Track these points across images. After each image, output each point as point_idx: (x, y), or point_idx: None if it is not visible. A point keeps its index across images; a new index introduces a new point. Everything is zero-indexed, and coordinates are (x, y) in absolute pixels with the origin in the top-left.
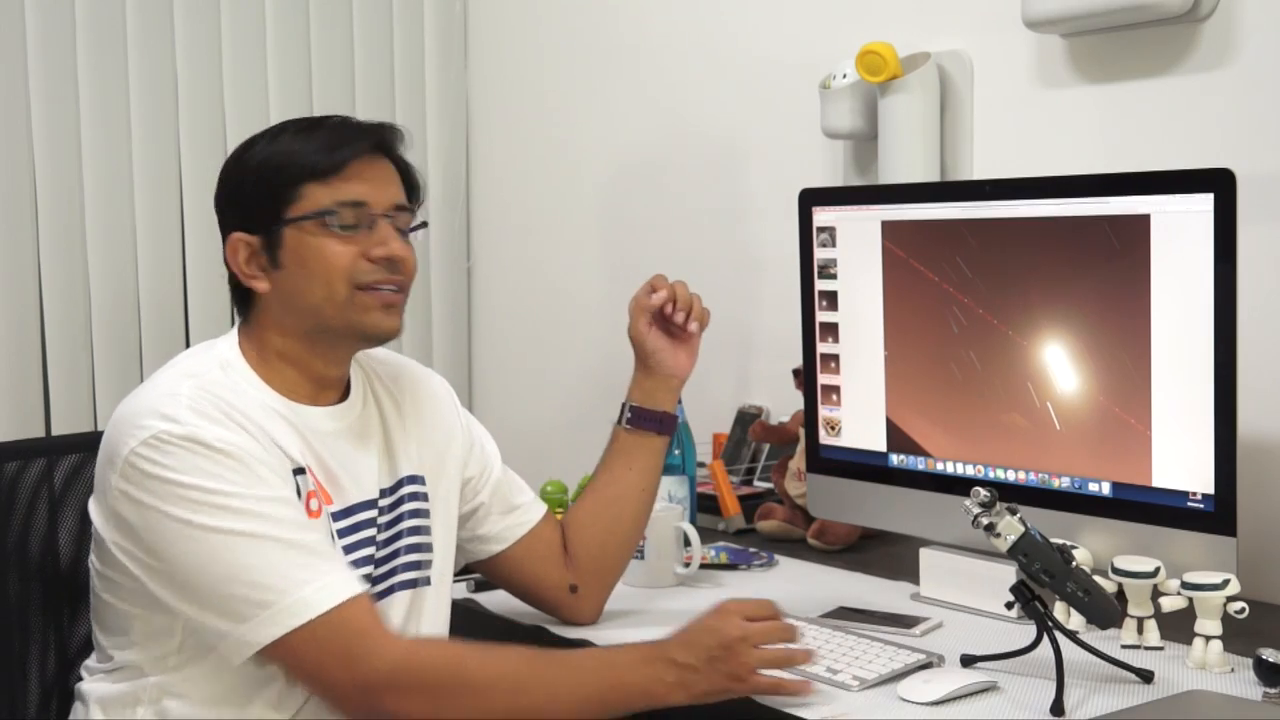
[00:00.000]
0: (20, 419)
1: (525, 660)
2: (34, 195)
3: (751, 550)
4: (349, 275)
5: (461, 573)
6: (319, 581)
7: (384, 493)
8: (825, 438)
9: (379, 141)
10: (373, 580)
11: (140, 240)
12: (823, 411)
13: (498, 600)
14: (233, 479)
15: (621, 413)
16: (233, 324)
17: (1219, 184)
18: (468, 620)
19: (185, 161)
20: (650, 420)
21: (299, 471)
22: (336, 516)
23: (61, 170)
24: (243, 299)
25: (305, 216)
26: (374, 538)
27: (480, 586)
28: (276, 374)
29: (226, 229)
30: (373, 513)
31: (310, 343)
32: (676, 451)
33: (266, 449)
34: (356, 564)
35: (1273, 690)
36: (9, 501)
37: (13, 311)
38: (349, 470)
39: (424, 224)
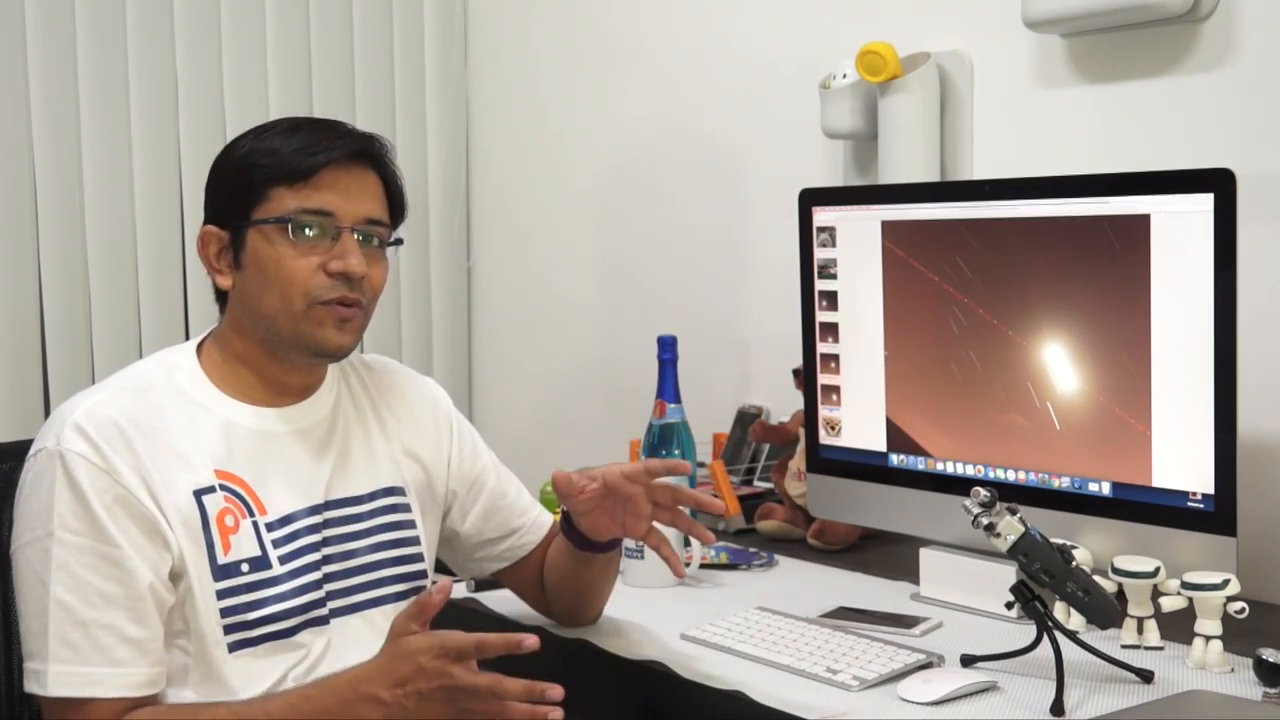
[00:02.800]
0: (20, 419)
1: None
2: (34, 195)
3: (751, 550)
4: (306, 289)
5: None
6: (68, 668)
7: (346, 502)
8: (825, 438)
9: (357, 151)
10: (329, 594)
11: (140, 240)
12: (823, 411)
13: (498, 600)
14: (69, 521)
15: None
16: None
17: (1219, 184)
18: (468, 620)
19: (185, 161)
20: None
21: (206, 491)
22: (271, 526)
23: (61, 170)
24: (218, 294)
25: (267, 220)
26: (318, 544)
27: (480, 586)
28: (231, 375)
29: (204, 220)
30: (316, 519)
31: (266, 348)
32: (677, 451)
33: (151, 479)
34: (301, 571)
35: (1273, 690)
36: (4, 501)
37: (13, 311)
38: (289, 476)
39: (399, 241)
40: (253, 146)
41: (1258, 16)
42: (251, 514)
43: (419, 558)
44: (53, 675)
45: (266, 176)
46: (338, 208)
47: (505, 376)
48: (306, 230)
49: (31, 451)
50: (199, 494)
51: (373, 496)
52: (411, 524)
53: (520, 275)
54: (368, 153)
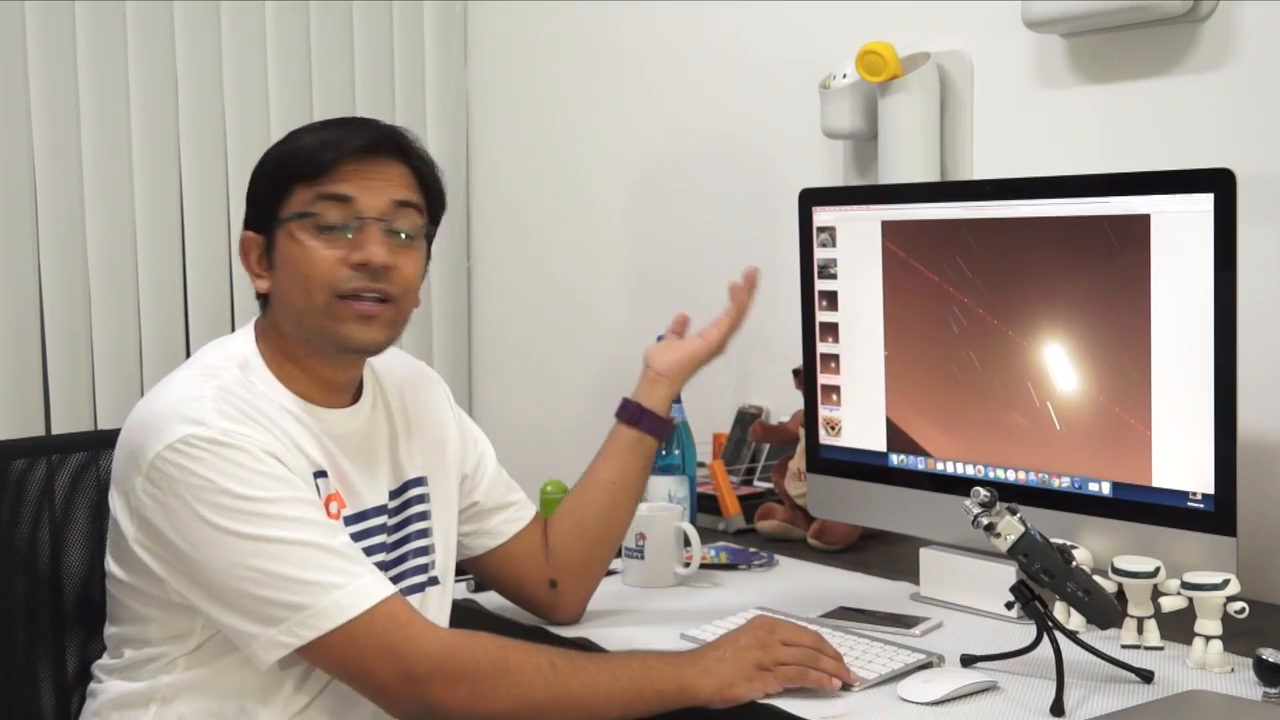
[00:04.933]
0: (20, 419)
1: (563, 654)
2: (34, 195)
3: (751, 550)
4: (328, 282)
5: (459, 572)
6: (351, 585)
7: (391, 495)
8: (825, 438)
9: (375, 142)
10: None
11: (140, 240)
12: (823, 411)
13: (498, 600)
14: (261, 482)
15: None
16: (233, 325)
17: (1219, 184)
18: (468, 620)
19: (185, 161)
20: (627, 411)
21: (320, 474)
22: (349, 521)
23: (61, 170)
24: (261, 296)
25: (290, 216)
26: (384, 542)
27: (480, 586)
28: (291, 374)
29: (243, 227)
30: (383, 518)
31: (307, 347)
32: (677, 451)
33: (289, 450)
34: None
35: (1273, 690)
36: (16, 499)
37: (13, 311)
38: (362, 474)
39: (432, 229)
40: (280, 149)
41: (1258, 16)
42: (339, 507)
43: (432, 548)
44: (344, 596)
45: (289, 175)
46: (358, 195)
47: (505, 376)
48: (329, 223)
49: (161, 448)
50: (316, 475)
51: (404, 489)
52: (429, 514)
53: (520, 275)
54: (390, 142)
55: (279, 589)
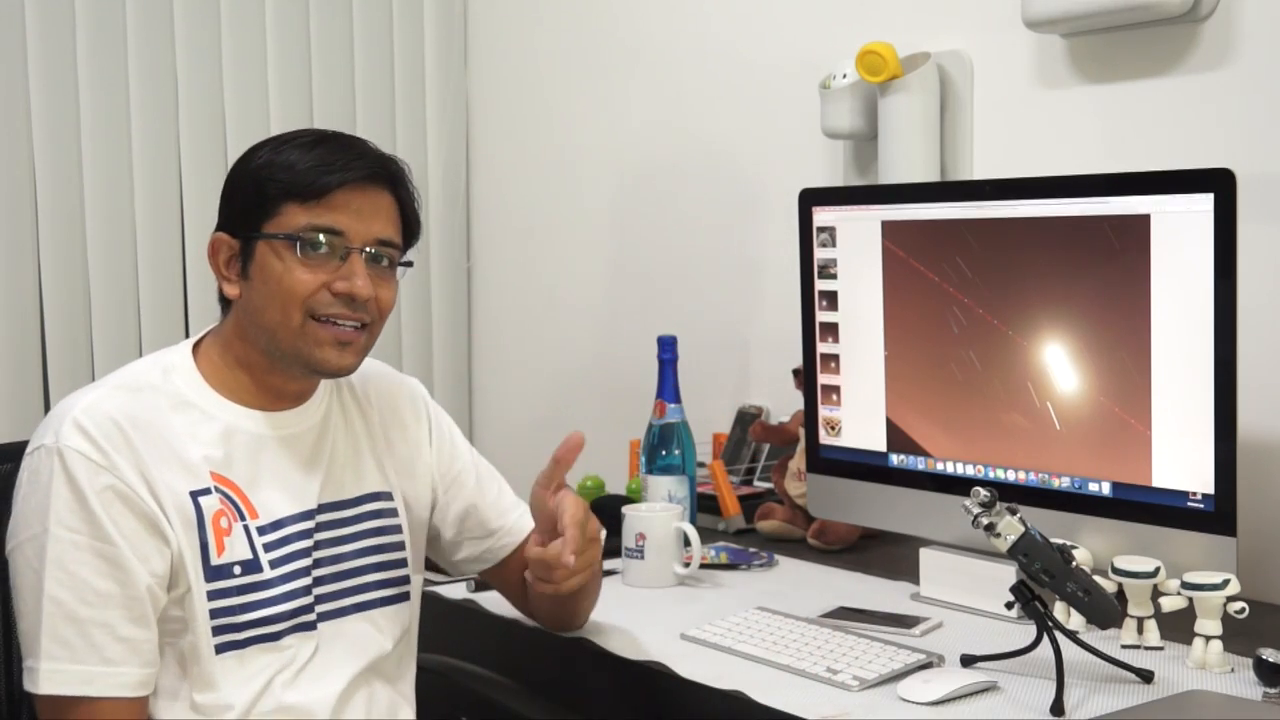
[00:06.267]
0: (20, 419)
1: None
2: (34, 195)
3: (751, 550)
4: (307, 304)
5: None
6: (60, 666)
7: (333, 506)
8: (825, 438)
9: (374, 173)
10: (318, 599)
11: (140, 240)
12: (823, 411)
13: (498, 600)
14: (66, 518)
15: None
16: None
17: (1219, 184)
18: (468, 621)
19: (185, 161)
20: None
21: (202, 493)
22: (263, 530)
23: (61, 170)
24: (222, 297)
25: (277, 235)
26: (308, 549)
27: (480, 586)
28: (230, 378)
29: (217, 226)
30: (308, 524)
31: (268, 358)
32: (677, 451)
33: (150, 477)
34: (292, 575)
35: (1273, 690)
36: (5, 502)
37: (13, 311)
38: (283, 481)
39: (409, 264)
40: (269, 159)
41: (1258, 16)
42: (243, 518)
43: (403, 562)
44: (44, 673)
45: (280, 191)
46: (349, 228)
47: (505, 376)
48: (315, 248)
49: (29, 449)
50: (195, 495)
51: (359, 501)
52: (397, 528)
53: (520, 275)
54: (385, 174)
55: (22, 625)
